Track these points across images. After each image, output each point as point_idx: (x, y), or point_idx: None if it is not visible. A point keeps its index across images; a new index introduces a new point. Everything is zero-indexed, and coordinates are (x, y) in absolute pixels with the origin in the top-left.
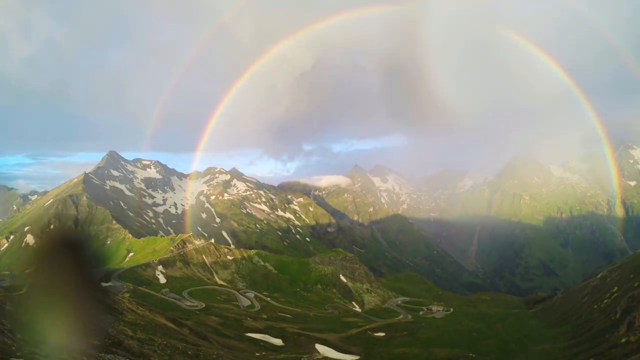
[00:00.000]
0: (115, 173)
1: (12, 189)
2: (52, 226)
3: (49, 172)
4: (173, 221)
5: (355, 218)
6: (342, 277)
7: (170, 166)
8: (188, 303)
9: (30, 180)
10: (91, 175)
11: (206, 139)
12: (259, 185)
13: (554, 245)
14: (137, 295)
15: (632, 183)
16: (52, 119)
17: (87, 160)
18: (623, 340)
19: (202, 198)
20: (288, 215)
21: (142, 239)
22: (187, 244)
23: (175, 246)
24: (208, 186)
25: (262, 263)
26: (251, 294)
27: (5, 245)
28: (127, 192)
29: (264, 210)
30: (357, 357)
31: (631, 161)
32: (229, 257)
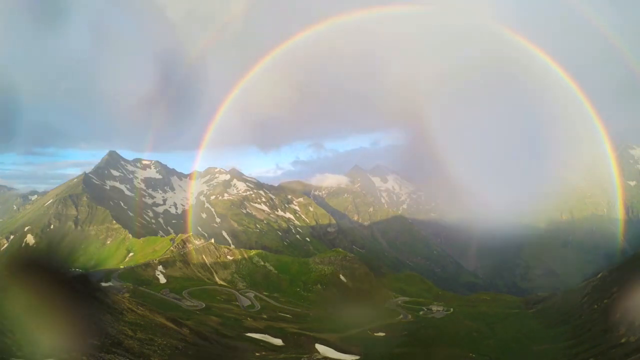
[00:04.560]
0: (115, 173)
1: (12, 188)
2: (52, 226)
3: (36, 171)
4: (173, 221)
5: (355, 218)
6: (342, 277)
7: (170, 166)
8: (188, 303)
9: (16, 179)
10: (91, 175)
11: (207, 139)
12: (258, 185)
13: (554, 245)
14: (137, 295)
15: (633, 183)
16: (39, 117)
17: (75, 159)
18: (623, 340)
19: (202, 198)
20: (288, 215)
21: (142, 239)
22: (187, 244)
23: (175, 246)
24: (208, 186)
25: (262, 263)
26: (251, 294)
27: (5, 245)
28: (127, 192)
29: (264, 210)
30: (357, 357)
31: (631, 161)
32: (229, 257)
